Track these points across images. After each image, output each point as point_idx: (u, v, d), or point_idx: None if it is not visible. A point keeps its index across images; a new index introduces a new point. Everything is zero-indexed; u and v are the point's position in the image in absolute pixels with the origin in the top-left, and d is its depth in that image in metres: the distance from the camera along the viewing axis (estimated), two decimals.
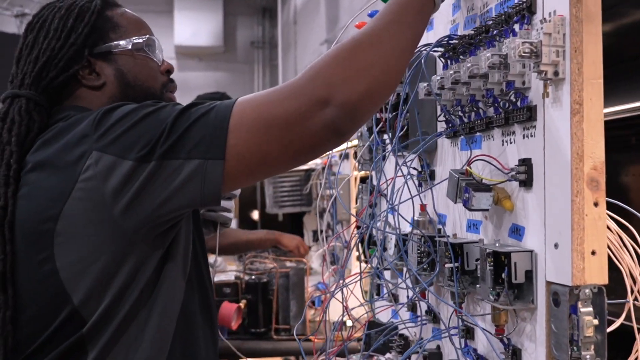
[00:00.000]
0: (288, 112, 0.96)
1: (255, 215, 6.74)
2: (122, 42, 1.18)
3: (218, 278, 2.58)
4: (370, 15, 1.71)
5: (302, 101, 0.95)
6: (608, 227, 0.97)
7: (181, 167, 0.96)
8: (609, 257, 0.97)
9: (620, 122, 1.70)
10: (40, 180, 1.04)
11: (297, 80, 0.98)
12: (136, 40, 1.20)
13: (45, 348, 1.01)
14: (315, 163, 3.67)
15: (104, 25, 1.18)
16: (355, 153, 1.85)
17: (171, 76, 1.29)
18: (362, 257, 1.63)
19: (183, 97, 1.21)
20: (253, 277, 2.54)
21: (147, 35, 1.22)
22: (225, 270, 3.25)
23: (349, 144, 1.86)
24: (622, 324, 0.98)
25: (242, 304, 2.47)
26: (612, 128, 1.87)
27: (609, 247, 0.97)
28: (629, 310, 0.97)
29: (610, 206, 1.00)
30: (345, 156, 2.78)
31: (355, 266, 2.38)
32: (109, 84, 1.17)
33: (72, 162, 1.00)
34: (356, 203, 1.88)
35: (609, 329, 1.00)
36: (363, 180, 1.84)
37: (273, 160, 0.99)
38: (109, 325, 1.00)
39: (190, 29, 11.81)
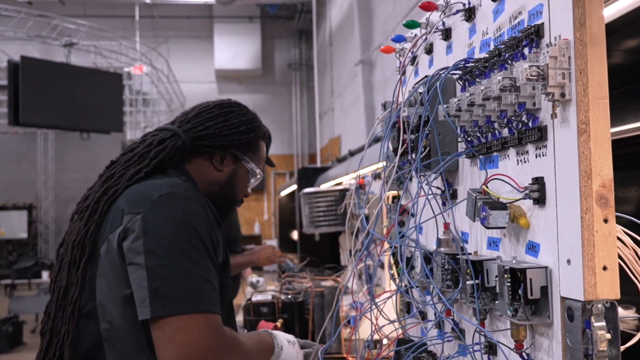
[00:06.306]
0: None
1: (295, 235, 6.79)
2: (251, 164, 1.62)
3: (255, 298, 2.63)
4: (394, 39, 1.75)
5: None
6: (623, 242, 0.99)
7: None
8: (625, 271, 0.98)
9: None
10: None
11: None
12: (256, 170, 1.64)
13: None
14: (350, 183, 3.71)
15: (253, 146, 1.63)
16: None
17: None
18: (392, 276, 1.66)
19: None
20: (289, 296, 2.58)
21: (262, 174, 1.67)
22: (265, 290, 3.30)
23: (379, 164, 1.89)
24: None
25: (278, 323, 2.50)
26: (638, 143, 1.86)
27: (624, 262, 0.99)
28: None
29: (626, 221, 1.02)
30: (377, 176, 2.81)
31: (390, 284, 2.39)
32: (222, 174, 1.58)
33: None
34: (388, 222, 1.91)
35: (630, 343, 1.02)
36: (394, 199, 1.87)
37: None
38: None
39: (229, 53, 12.07)
